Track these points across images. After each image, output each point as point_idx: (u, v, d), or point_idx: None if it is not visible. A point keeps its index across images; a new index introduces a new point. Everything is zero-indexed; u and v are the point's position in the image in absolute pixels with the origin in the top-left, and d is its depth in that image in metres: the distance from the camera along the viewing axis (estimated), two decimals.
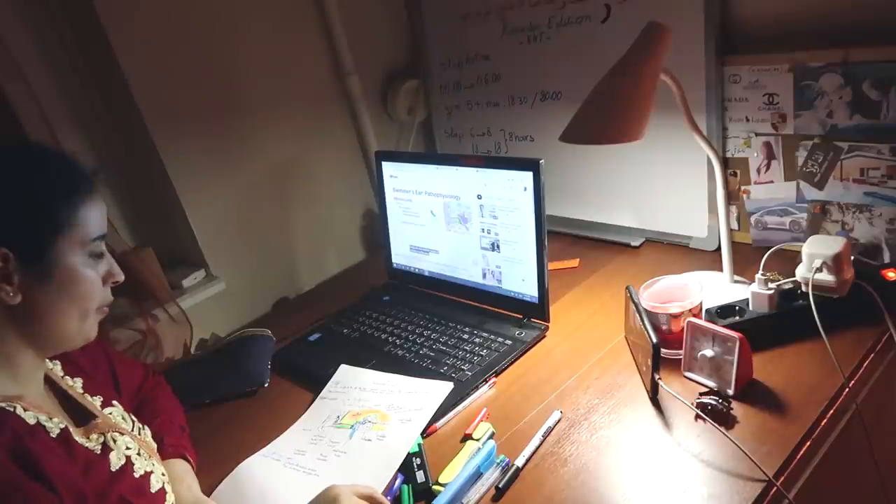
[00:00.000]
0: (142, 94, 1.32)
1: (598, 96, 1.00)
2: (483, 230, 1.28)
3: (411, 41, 1.75)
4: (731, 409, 0.90)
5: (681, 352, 0.99)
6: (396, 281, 1.51)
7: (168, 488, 0.86)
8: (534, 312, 1.23)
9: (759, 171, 1.24)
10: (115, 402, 0.89)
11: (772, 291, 1.02)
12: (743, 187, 1.27)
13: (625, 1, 1.28)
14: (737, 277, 1.18)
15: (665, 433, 0.91)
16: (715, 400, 0.91)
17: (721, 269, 1.18)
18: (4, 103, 1.18)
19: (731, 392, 0.93)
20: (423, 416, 1.03)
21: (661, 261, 1.34)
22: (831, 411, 0.88)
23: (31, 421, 0.71)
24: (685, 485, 0.82)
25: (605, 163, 1.45)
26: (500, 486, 0.87)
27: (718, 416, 0.89)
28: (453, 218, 1.33)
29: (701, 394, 0.94)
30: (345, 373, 1.20)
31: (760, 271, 1.03)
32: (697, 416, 0.91)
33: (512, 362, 1.14)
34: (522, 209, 1.19)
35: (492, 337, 1.20)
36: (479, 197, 1.26)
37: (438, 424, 1.03)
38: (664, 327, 1.03)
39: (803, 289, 1.00)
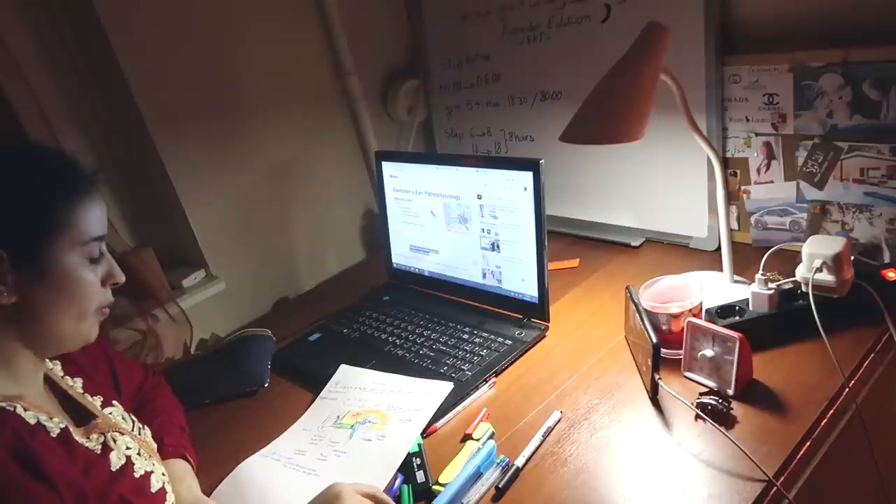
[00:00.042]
0: (142, 94, 1.32)
1: (598, 96, 1.00)
2: (483, 230, 1.28)
3: (411, 41, 1.75)
4: (731, 409, 0.90)
5: (681, 352, 0.99)
6: (396, 281, 1.51)
7: (168, 488, 0.86)
8: (534, 312, 1.23)
9: (759, 171, 1.24)
10: (115, 402, 0.89)
11: (772, 291, 1.02)
12: (743, 187, 1.27)
13: (625, 1, 1.28)
14: (737, 277, 1.18)
15: (665, 433, 0.91)
16: (715, 400, 0.91)
17: (721, 269, 1.18)
18: (4, 103, 1.18)
19: (731, 392, 0.93)
20: (423, 416, 1.03)
21: (661, 261, 1.34)
22: (831, 411, 0.88)
23: (32, 421, 0.71)
24: (685, 485, 0.82)
25: (605, 163, 1.45)
26: (500, 486, 0.87)
27: (718, 416, 0.89)
28: (453, 218, 1.33)
29: (701, 394, 0.94)
30: (345, 373, 1.20)
31: (760, 271, 1.03)
32: (697, 416, 0.91)
33: (512, 362, 1.14)
34: (522, 209, 1.19)
35: (492, 337, 1.20)
36: (479, 197, 1.26)
37: (438, 424, 1.03)
38: (664, 327, 1.03)
39: (803, 289, 1.00)
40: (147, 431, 0.92)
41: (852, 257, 1.01)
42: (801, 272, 1.01)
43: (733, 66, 1.20)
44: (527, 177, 1.16)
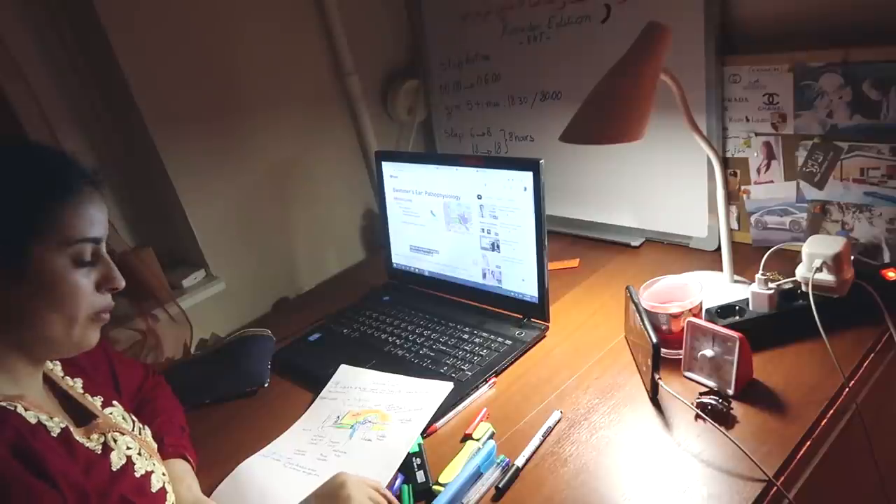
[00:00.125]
0: (142, 94, 1.32)
1: (598, 96, 1.00)
2: (483, 230, 1.28)
3: (411, 41, 1.75)
4: (731, 409, 0.90)
5: (681, 352, 0.99)
6: (396, 281, 1.51)
7: (168, 488, 0.86)
8: (534, 312, 1.23)
9: (759, 171, 1.24)
10: (115, 402, 0.89)
11: (772, 291, 1.02)
12: (743, 187, 1.27)
13: (625, 1, 1.28)
14: (737, 277, 1.18)
15: (665, 433, 0.91)
16: (715, 400, 0.91)
17: (721, 269, 1.18)
18: (4, 103, 1.18)
19: (731, 392, 0.93)
20: (423, 416, 1.03)
21: (661, 261, 1.34)
22: (831, 411, 0.88)
23: (32, 420, 0.71)
24: (685, 485, 0.82)
25: (605, 163, 1.45)
26: (500, 486, 0.87)
27: (718, 416, 0.89)
28: (453, 218, 1.33)
29: (701, 394, 0.94)
30: (345, 373, 1.20)
31: (760, 271, 1.03)
32: (697, 416, 0.91)
33: (512, 362, 1.14)
34: (522, 209, 1.19)
35: (492, 337, 1.20)
36: (479, 197, 1.26)
37: (438, 424, 1.03)
38: (664, 327, 1.03)
39: (803, 289, 1.00)
40: (147, 431, 0.92)
41: (852, 257, 1.01)
42: (801, 272, 1.01)
43: (733, 66, 1.20)
44: (527, 177, 1.16)
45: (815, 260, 0.99)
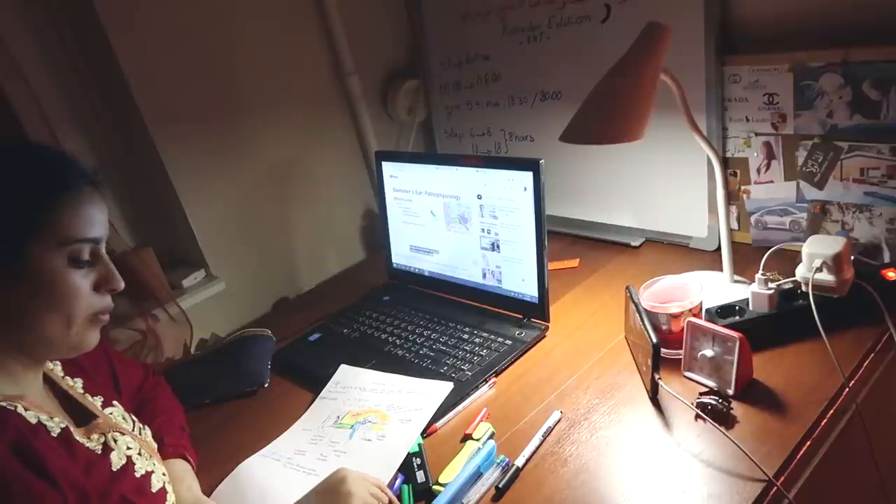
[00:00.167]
0: (142, 94, 1.32)
1: (598, 96, 1.00)
2: (483, 230, 1.28)
3: (411, 41, 1.75)
4: (731, 409, 0.90)
5: (681, 352, 0.99)
6: (396, 281, 1.51)
7: (169, 488, 0.86)
8: (534, 312, 1.23)
9: (759, 171, 1.24)
10: (115, 402, 0.89)
11: (772, 291, 1.02)
12: (743, 187, 1.27)
13: (625, 1, 1.28)
14: (737, 277, 1.18)
15: (665, 433, 0.91)
16: (715, 400, 0.91)
17: (721, 269, 1.18)
18: (4, 103, 1.18)
19: (731, 392, 0.93)
20: (423, 416, 1.03)
21: (661, 261, 1.34)
22: (831, 411, 0.88)
23: (33, 420, 0.71)
24: (685, 485, 0.82)
25: (605, 163, 1.45)
26: (500, 486, 0.87)
27: (718, 416, 0.89)
28: (453, 218, 1.33)
29: (701, 394, 0.94)
30: (345, 373, 1.20)
31: (760, 271, 1.03)
32: (697, 416, 0.91)
33: (512, 362, 1.14)
34: (522, 209, 1.19)
35: (492, 337, 1.20)
36: (479, 197, 1.26)
37: (438, 424, 1.03)
38: (664, 327, 1.03)
39: (803, 289, 1.00)
40: (147, 431, 0.92)
41: (852, 257, 1.01)
42: (801, 272, 1.01)
43: (733, 66, 1.20)
44: (527, 177, 1.16)
45: (815, 260, 0.99)
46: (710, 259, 1.29)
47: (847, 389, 0.90)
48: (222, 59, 1.44)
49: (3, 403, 0.70)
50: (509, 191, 1.20)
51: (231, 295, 1.51)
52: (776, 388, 0.93)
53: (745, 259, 1.22)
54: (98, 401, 0.86)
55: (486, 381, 1.09)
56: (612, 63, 0.99)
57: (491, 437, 0.97)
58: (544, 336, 1.19)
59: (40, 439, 0.70)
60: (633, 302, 1.03)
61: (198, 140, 1.42)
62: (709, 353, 0.95)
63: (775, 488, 0.79)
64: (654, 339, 0.92)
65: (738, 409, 0.91)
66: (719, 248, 1.19)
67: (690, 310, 1.02)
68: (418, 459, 0.95)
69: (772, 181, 1.23)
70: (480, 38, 1.57)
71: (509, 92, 1.57)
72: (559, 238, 1.53)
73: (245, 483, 0.99)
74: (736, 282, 1.17)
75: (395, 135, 1.81)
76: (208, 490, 0.98)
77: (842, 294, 0.99)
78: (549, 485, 0.87)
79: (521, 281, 1.24)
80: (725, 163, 1.27)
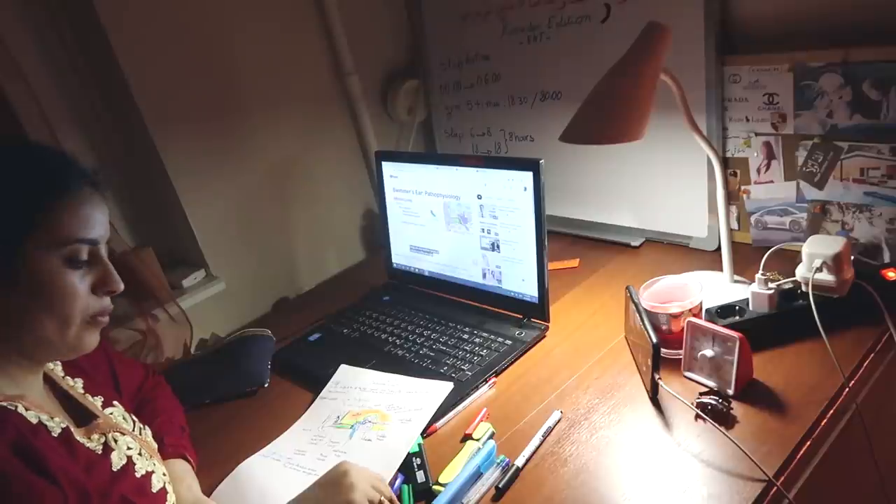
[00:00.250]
0: (142, 94, 1.32)
1: (598, 96, 1.00)
2: (483, 230, 1.28)
3: (411, 41, 1.75)
4: (731, 409, 0.90)
5: (681, 352, 0.99)
6: (396, 281, 1.51)
7: (169, 488, 0.86)
8: (534, 312, 1.23)
9: (759, 171, 1.24)
10: (115, 402, 0.89)
11: (772, 291, 1.02)
12: (743, 187, 1.27)
13: (625, 1, 1.28)
14: (737, 277, 1.18)
15: (665, 433, 0.91)
16: (715, 400, 0.91)
17: (721, 269, 1.18)
18: (4, 103, 1.18)
19: (731, 392, 0.93)
20: (423, 416, 1.03)
21: (661, 261, 1.34)
22: (831, 411, 0.88)
23: (33, 420, 0.71)
24: (685, 485, 0.82)
25: (605, 163, 1.45)
26: (500, 486, 0.87)
27: (718, 416, 0.89)
28: (453, 218, 1.33)
29: (701, 394, 0.94)
30: (345, 373, 1.20)
31: (760, 271, 1.03)
32: (697, 416, 0.91)
33: (512, 362, 1.14)
34: (522, 209, 1.19)
35: (492, 337, 1.20)
36: (479, 197, 1.26)
37: (438, 424, 1.03)
38: (664, 327, 1.03)
39: (803, 289, 1.00)
40: (148, 431, 0.92)
41: (852, 257, 1.01)
42: (801, 272, 1.01)
43: (733, 65, 1.20)
44: (527, 177, 1.16)
45: (815, 260, 0.99)
46: (710, 259, 1.29)
47: (847, 389, 0.90)
48: (222, 59, 1.44)
49: (4, 403, 0.70)
50: (509, 191, 1.20)
51: (231, 295, 1.51)
52: (776, 388, 0.93)
53: (745, 259, 1.22)
54: (98, 401, 0.86)
55: (486, 381, 1.09)
56: (612, 63, 0.99)
57: (491, 437, 0.97)
58: (544, 336, 1.19)
59: (41, 439, 0.70)
60: (633, 302, 1.03)
61: (198, 140, 1.42)
62: (709, 353, 0.95)
63: (775, 488, 0.79)
64: (654, 339, 0.92)
65: (738, 409, 0.91)
66: (719, 248, 1.19)
67: (690, 310, 1.02)
68: (418, 459, 0.95)
69: (772, 181, 1.23)
70: (480, 38, 1.57)
71: (509, 92, 1.57)
72: (559, 238, 1.53)
73: (245, 483, 0.99)
74: (736, 282, 1.17)
75: (395, 135, 1.81)
76: (208, 490, 0.98)
77: (842, 294, 0.99)
78: (549, 485, 0.87)
79: (521, 281, 1.24)
80: (725, 163, 1.27)
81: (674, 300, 1.03)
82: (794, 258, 1.05)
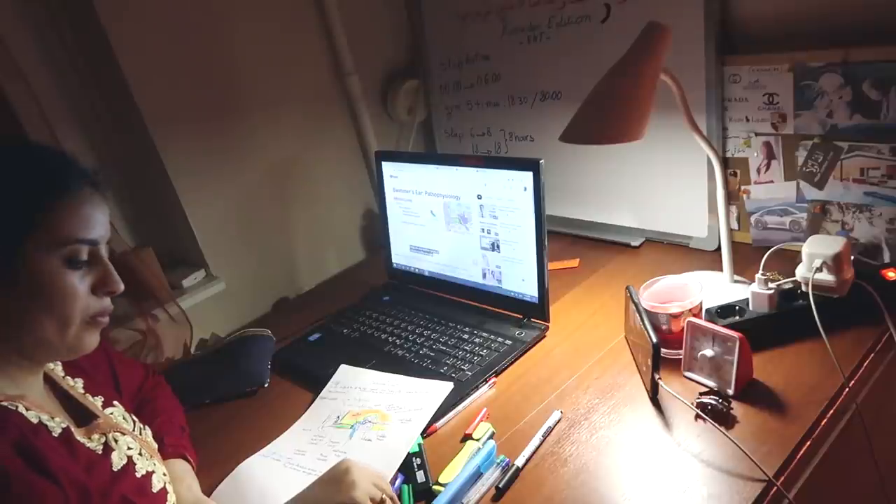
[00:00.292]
0: (142, 94, 1.32)
1: (598, 96, 1.00)
2: (483, 230, 1.28)
3: (411, 41, 1.75)
4: (731, 409, 0.90)
5: (681, 352, 0.99)
6: (396, 281, 1.51)
7: (169, 488, 0.86)
8: (534, 312, 1.23)
9: (759, 170, 1.24)
10: (115, 402, 0.89)
11: (772, 291, 1.02)
12: (743, 187, 1.27)
13: (625, 1, 1.28)
14: (737, 277, 1.18)
15: (665, 433, 0.91)
16: (715, 400, 0.91)
17: (721, 269, 1.18)
18: (4, 103, 1.18)
19: (731, 392, 0.93)
20: (423, 416, 1.03)
21: (661, 261, 1.34)
22: (831, 411, 0.88)
23: (34, 420, 0.71)
24: (685, 485, 0.82)
25: (605, 163, 1.45)
26: (500, 486, 0.87)
27: (718, 416, 0.89)
28: (453, 218, 1.33)
29: (701, 394, 0.94)
30: (345, 373, 1.20)
31: (760, 271, 1.03)
32: (697, 416, 0.91)
33: (512, 362, 1.14)
34: (522, 209, 1.19)
35: (492, 337, 1.20)
36: (479, 197, 1.26)
37: (438, 424, 1.03)
38: (664, 327, 1.03)
39: (803, 289, 1.00)
40: (148, 431, 0.92)
41: (852, 257, 1.01)
42: (801, 272, 1.01)
43: (733, 66, 1.20)
44: (527, 177, 1.16)
45: (815, 260, 0.99)
46: (710, 259, 1.29)
47: (847, 389, 0.90)
48: (222, 59, 1.44)
49: (5, 403, 0.70)
50: (509, 191, 1.20)
51: (231, 295, 1.51)
52: (776, 388, 0.93)
53: (745, 259, 1.22)
54: (99, 401, 0.86)
55: (486, 381, 1.09)
56: (612, 63, 0.99)
57: (491, 437, 0.97)
58: (544, 336, 1.19)
59: (42, 439, 0.70)
60: (633, 302, 1.03)
61: (198, 140, 1.42)
62: (709, 353, 0.95)
63: (775, 488, 0.79)
64: (654, 339, 0.92)
65: (738, 409, 0.91)
66: (719, 248, 1.19)
67: (690, 310, 1.02)
68: (418, 459, 0.95)
69: (772, 181, 1.23)
70: (480, 38, 1.57)
71: (509, 92, 1.57)
72: (559, 238, 1.53)
73: (245, 483, 0.99)
74: (736, 282, 1.17)
75: (395, 135, 1.81)
76: (208, 490, 0.98)
77: (842, 294, 0.99)
78: (549, 485, 0.87)
79: (521, 281, 1.24)
80: (725, 163, 1.27)
81: (674, 300, 1.03)
82: (794, 258, 1.05)
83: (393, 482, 0.92)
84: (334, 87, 1.65)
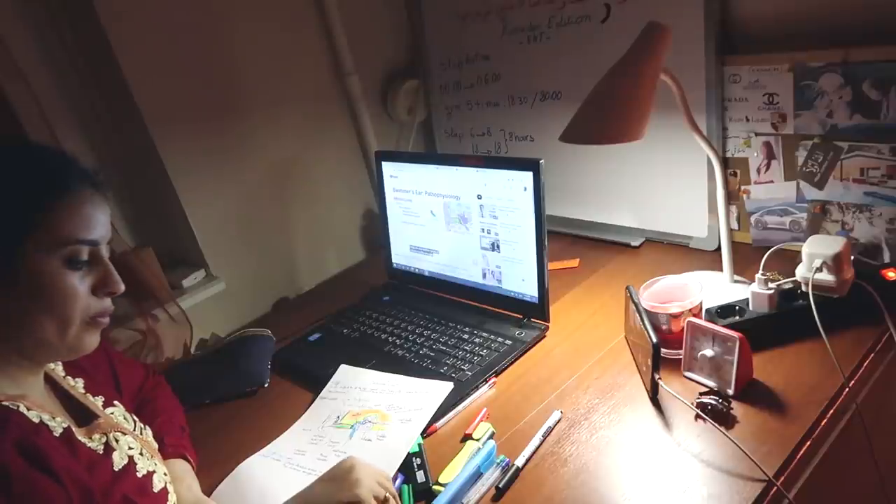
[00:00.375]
0: (142, 94, 1.32)
1: (598, 96, 1.00)
2: (483, 230, 1.28)
3: (411, 41, 1.75)
4: (731, 409, 0.91)
5: (681, 352, 0.99)
6: (396, 281, 1.51)
7: (170, 488, 0.86)
8: (534, 312, 1.23)
9: (759, 170, 1.24)
10: (116, 402, 0.89)
11: (772, 291, 1.02)
12: (743, 187, 1.27)
13: (625, 1, 1.28)
14: (737, 277, 1.18)
15: (665, 433, 0.91)
16: (715, 400, 0.91)
17: (721, 269, 1.18)
18: (4, 103, 1.18)
19: (731, 392, 0.93)
20: (423, 416, 1.03)
21: (661, 261, 1.34)
22: (831, 411, 0.88)
23: (35, 420, 0.71)
24: (685, 485, 0.82)
25: (605, 163, 1.45)
26: (500, 486, 0.87)
27: (718, 416, 0.89)
28: (453, 218, 1.33)
29: (701, 394, 0.94)
30: (345, 373, 1.20)
31: (760, 271, 1.03)
32: (697, 416, 0.91)
33: (512, 362, 1.14)
34: (522, 209, 1.19)
35: (492, 337, 1.20)
36: (479, 197, 1.26)
37: (438, 424, 1.03)
38: (664, 327, 1.03)
39: (803, 289, 1.00)
40: (148, 431, 0.92)
41: (852, 257, 1.01)
42: (801, 272, 1.01)
43: (733, 65, 1.20)
44: (527, 177, 1.16)
45: (815, 260, 0.99)
46: (710, 259, 1.29)
47: (847, 389, 0.90)
48: (222, 59, 1.44)
49: (6, 403, 0.70)
50: (509, 191, 1.20)
51: (231, 295, 1.51)
52: (776, 388, 0.93)
53: (745, 259, 1.22)
54: (99, 401, 0.86)
55: (486, 381, 1.09)
56: (612, 63, 0.99)
57: (491, 437, 0.97)
58: (544, 336, 1.19)
59: (43, 438, 0.70)
60: (633, 302, 1.03)
61: (198, 140, 1.42)
62: (709, 353, 0.95)
63: (775, 488, 0.79)
64: (654, 339, 0.92)
65: (738, 409, 0.91)
66: (719, 248, 1.19)
67: (690, 310, 1.02)
68: (418, 459, 0.95)
69: (772, 181, 1.23)
70: (480, 38, 1.57)
71: (509, 92, 1.57)
72: (559, 238, 1.53)
73: (245, 483, 0.99)
74: (736, 282, 1.17)
75: (395, 135, 1.81)
76: (208, 490, 0.98)
77: (842, 294, 0.99)
78: (549, 485, 0.87)
79: (521, 281, 1.24)
80: (725, 163, 1.27)
81: (674, 300, 1.03)
82: (794, 258, 1.05)
83: (393, 482, 0.92)
84: (334, 87, 1.65)
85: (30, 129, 1.20)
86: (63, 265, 0.72)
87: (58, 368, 0.86)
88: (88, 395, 0.86)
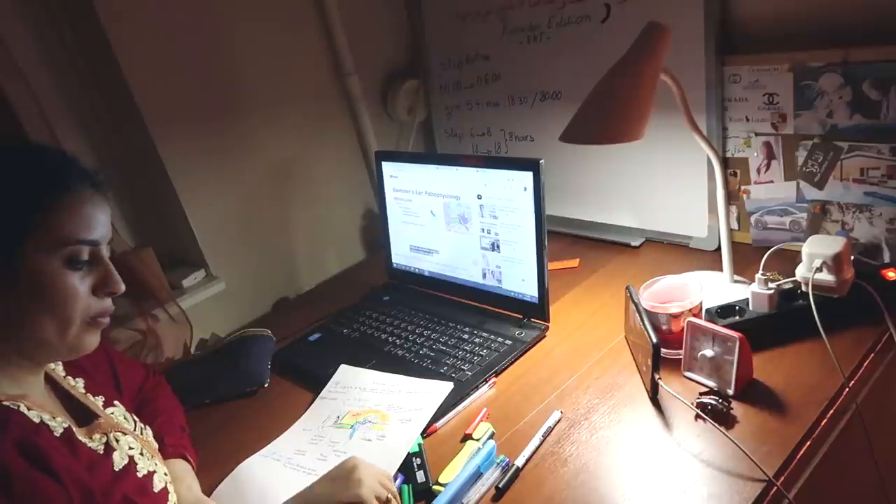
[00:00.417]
0: (142, 94, 1.32)
1: (598, 96, 1.00)
2: (483, 230, 1.28)
3: (411, 41, 1.75)
4: (731, 409, 0.91)
5: (681, 352, 0.99)
6: (396, 281, 1.51)
7: (170, 488, 0.86)
8: (534, 312, 1.23)
9: (759, 170, 1.24)
10: (116, 402, 0.89)
11: (772, 291, 1.02)
12: (743, 187, 1.27)
13: (625, 1, 1.28)
14: (737, 277, 1.18)
15: (665, 433, 0.91)
16: (715, 400, 0.91)
17: (721, 269, 1.18)
18: (4, 103, 1.18)
19: (731, 392, 0.93)
20: (423, 416, 1.03)
21: (661, 261, 1.34)
22: (831, 411, 0.88)
23: (35, 420, 0.71)
24: (685, 485, 0.82)
25: (605, 163, 1.45)
26: (500, 486, 0.88)
27: (718, 415, 0.89)
28: (453, 218, 1.33)
29: (701, 394, 0.94)
30: (345, 373, 1.20)
31: (760, 271, 1.03)
32: (697, 416, 0.91)
33: (512, 362, 1.14)
34: (522, 209, 1.19)
35: (492, 337, 1.20)
36: (479, 197, 1.26)
37: (438, 424, 1.03)
38: (664, 327, 1.03)
39: (803, 289, 1.00)
40: (149, 431, 0.92)
41: (852, 257, 1.01)
42: (801, 272, 1.01)
43: (733, 65, 1.20)
44: (527, 177, 1.16)
45: (815, 260, 0.99)
46: (710, 259, 1.29)
47: (847, 389, 0.90)
48: (222, 59, 1.44)
49: (6, 403, 0.70)
50: (509, 191, 1.20)
51: (231, 295, 1.51)
52: (776, 388, 0.93)
53: (745, 259, 1.22)
54: (99, 401, 0.86)
55: (486, 381, 1.09)
56: (612, 63, 0.99)
57: (491, 437, 0.97)
58: (544, 336, 1.19)
59: (44, 438, 0.70)
60: (633, 302, 1.03)
61: (198, 140, 1.42)
62: (709, 353, 0.95)
63: (775, 488, 0.79)
64: (654, 339, 0.92)
65: (738, 409, 0.91)
66: (719, 248, 1.19)
67: (690, 310, 1.02)
68: (418, 459, 0.95)
69: (772, 181, 1.23)
70: (480, 38, 1.57)
71: (509, 92, 1.57)
72: (559, 238, 1.53)
73: (245, 483, 0.99)
74: (736, 282, 1.17)
75: (395, 135, 1.81)
76: (208, 490, 0.98)
77: (842, 294, 0.99)
78: (549, 485, 0.87)
79: (521, 281, 1.24)
80: (725, 163, 1.27)
81: (674, 300, 1.03)
82: (794, 258, 1.05)
83: (393, 482, 0.92)
84: (334, 87, 1.65)
85: (30, 129, 1.20)
86: (63, 265, 0.72)
87: (58, 368, 0.86)
88: (89, 395, 0.86)
